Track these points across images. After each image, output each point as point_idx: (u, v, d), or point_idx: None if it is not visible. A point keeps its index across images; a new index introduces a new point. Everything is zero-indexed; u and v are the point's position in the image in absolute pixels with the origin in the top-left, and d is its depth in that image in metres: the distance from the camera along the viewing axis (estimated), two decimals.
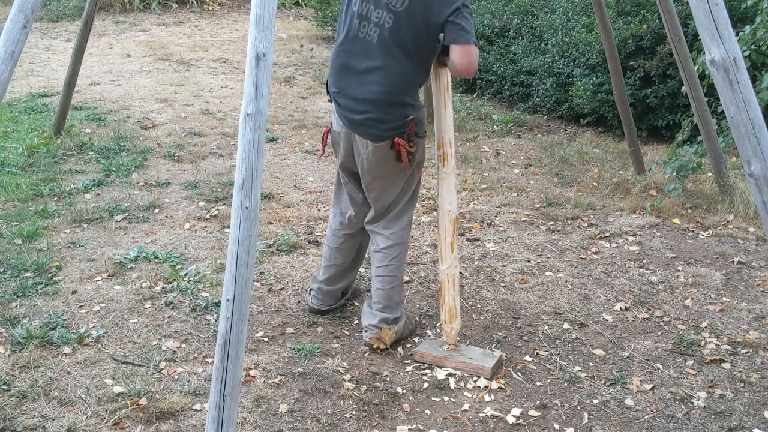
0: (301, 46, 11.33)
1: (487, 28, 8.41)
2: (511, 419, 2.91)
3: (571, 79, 7.25)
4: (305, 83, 9.02)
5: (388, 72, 3.08)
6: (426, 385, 3.15)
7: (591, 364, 3.33)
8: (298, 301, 3.84)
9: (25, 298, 3.76)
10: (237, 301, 2.15)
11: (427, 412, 2.96)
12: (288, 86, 8.84)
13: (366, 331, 3.43)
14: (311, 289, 3.75)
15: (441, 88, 3.24)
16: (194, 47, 11.16)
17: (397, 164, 3.23)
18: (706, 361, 3.36)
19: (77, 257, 4.25)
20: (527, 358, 3.38)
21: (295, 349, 3.37)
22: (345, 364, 3.27)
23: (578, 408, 3.01)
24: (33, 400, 2.92)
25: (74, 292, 3.83)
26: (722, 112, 4.97)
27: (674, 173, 5.41)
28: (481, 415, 2.94)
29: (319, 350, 3.37)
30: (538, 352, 3.42)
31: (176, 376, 3.13)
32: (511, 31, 8.25)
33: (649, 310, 3.84)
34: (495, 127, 7.33)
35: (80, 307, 3.69)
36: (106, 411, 2.87)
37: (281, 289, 3.98)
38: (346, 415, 2.91)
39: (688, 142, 5.57)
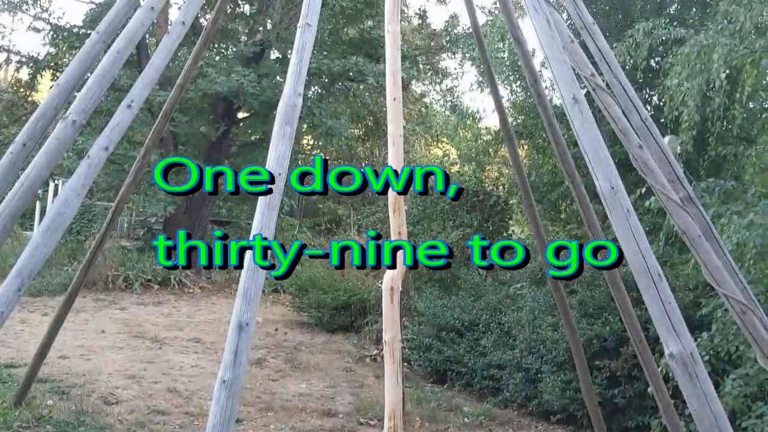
0: (276, 330, 11.51)
1: (457, 322, 8.71)
2: None
3: (540, 375, 7.35)
4: (276, 366, 9.02)
5: None
6: None
7: None
8: None
9: None
10: None
11: None
12: (259, 368, 8.82)
13: None
14: None
15: (395, 363, 3.36)
16: (169, 326, 11.28)
17: None
18: None
19: None
20: None
21: None
22: None
23: None
24: None
25: None
26: (689, 414, 5.01)
27: None
28: None
29: None
30: None
31: None
32: (480, 325, 8.54)
33: None
34: (466, 419, 7.24)
35: None
36: None
37: None
38: None
39: None
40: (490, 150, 13.28)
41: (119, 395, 7.02)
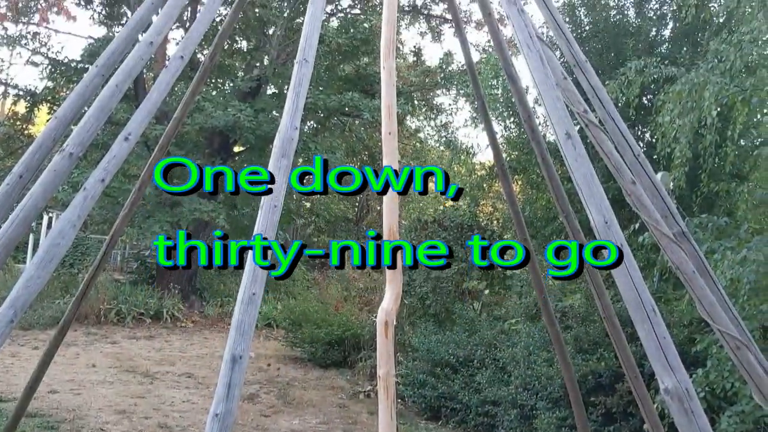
0: (269, 365, 11.42)
1: (451, 357, 8.66)
2: None
3: (535, 412, 7.29)
4: (269, 401, 8.93)
5: None
6: None
7: None
8: None
9: None
10: None
11: None
12: (251, 403, 8.72)
13: None
14: None
15: (389, 399, 3.36)
16: (161, 361, 11.18)
17: None
18: None
19: None
20: None
21: None
22: None
23: None
24: None
25: None
26: None
27: None
28: None
29: None
30: None
31: None
32: (475, 361, 8.49)
33: None
34: None
35: None
36: None
37: None
38: None
39: None
40: (485, 185, 13.35)
41: (109, 431, 6.92)
